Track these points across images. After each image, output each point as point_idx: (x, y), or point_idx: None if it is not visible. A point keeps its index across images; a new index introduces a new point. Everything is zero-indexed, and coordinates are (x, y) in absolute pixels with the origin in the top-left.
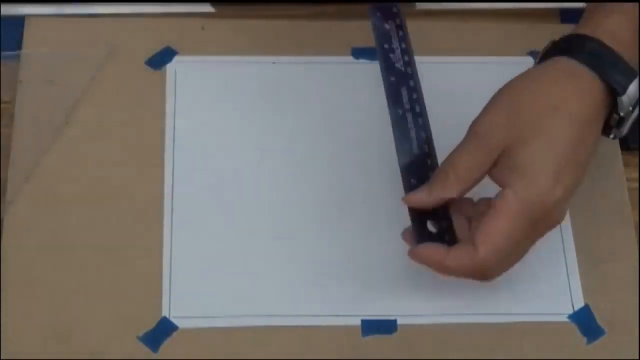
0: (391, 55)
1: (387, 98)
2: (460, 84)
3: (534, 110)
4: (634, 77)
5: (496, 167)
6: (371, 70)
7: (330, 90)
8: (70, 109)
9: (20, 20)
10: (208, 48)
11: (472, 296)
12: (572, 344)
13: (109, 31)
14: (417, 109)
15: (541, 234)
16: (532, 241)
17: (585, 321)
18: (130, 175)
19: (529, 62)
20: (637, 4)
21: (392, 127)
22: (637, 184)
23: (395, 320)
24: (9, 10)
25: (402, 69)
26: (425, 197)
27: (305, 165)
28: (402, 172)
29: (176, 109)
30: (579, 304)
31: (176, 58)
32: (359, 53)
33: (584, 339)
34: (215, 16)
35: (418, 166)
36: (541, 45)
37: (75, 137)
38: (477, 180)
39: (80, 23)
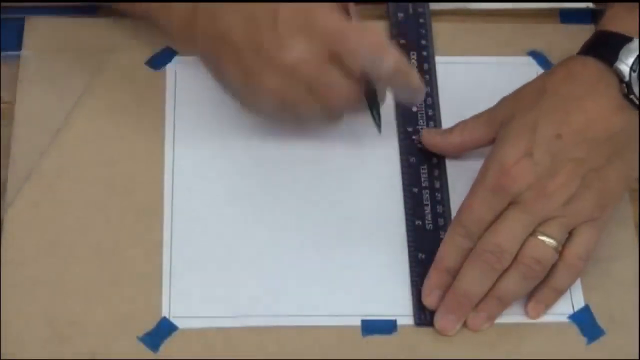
0: (414, 137)
1: (402, 176)
2: (459, 83)
3: (527, 93)
4: (625, 42)
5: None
6: None
7: None
8: (70, 109)
9: (20, 20)
10: None
11: None
12: (572, 344)
13: (109, 31)
14: (437, 185)
15: (504, 198)
16: (498, 203)
17: (585, 321)
18: (130, 175)
19: (528, 62)
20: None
21: (404, 202)
22: (637, 184)
23: (395, 320)
24: (9, 10)
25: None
26: (439, 137)
27: (305, 164)
28: (409, 247)
29: (176, 109)
30: (579, 304)
31: (176, 58)
32: None
33: (584, 339)
34: None
35: (428, 242)
36: (541, 45)
37: (75, 138)
38: (477, 140)
39: (80, 23)
